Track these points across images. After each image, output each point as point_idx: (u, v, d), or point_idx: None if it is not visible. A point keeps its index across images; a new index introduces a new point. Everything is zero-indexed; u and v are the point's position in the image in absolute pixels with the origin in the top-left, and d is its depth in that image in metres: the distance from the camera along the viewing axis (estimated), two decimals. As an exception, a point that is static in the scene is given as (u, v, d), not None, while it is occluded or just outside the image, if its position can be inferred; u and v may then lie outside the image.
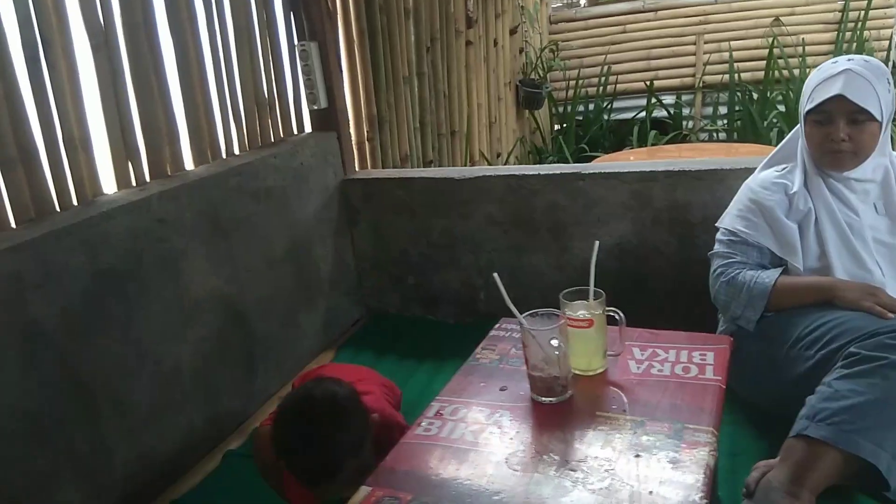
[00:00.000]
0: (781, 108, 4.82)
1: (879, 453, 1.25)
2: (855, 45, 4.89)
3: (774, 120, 4.76)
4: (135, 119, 1.83)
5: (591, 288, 1.30)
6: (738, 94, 5.12)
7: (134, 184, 1.84)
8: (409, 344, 2.40)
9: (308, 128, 2.51)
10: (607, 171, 2.22)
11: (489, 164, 4.37)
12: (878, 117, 1.53)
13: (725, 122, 5.22)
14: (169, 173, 1.93)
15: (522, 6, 5.00)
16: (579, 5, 6.12)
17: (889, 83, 1.56)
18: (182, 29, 1.94)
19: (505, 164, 4.65)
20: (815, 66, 1.69)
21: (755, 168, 1.83)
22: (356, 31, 2.74)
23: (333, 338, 2.49)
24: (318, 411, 1.32)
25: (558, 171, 2.28)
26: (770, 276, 1.60)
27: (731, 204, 1.77)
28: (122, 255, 1.65)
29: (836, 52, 4.87)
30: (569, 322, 1.25)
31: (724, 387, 1.23)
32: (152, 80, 1.87)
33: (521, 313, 1.24)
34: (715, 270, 1.71)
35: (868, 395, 1.28)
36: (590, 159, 4.35)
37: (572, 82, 5.50)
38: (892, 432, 1.26)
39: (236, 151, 2.17)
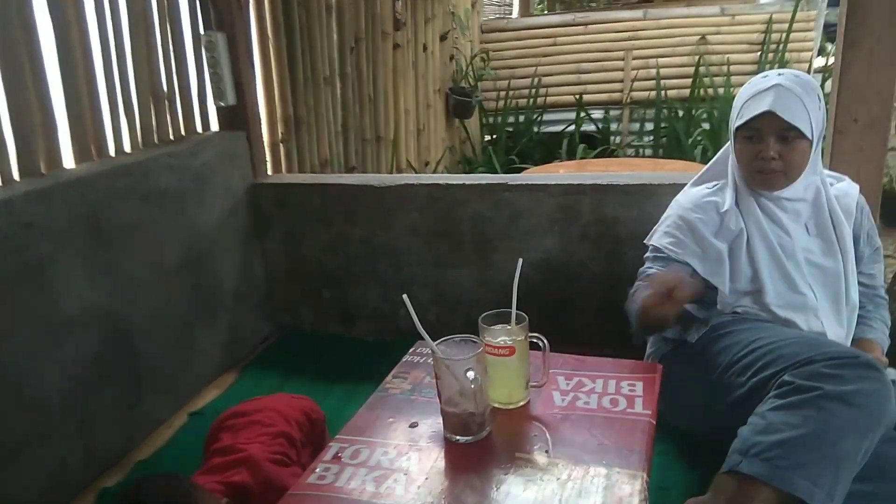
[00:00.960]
0: (706, 125, 4.89)
1: (814, 491, 1.17)
2: (777, 65, 5.03)
3: (699, 137, 4.83)
4: (1, 109, 1.59)
5: (514, 311, 1.16)
6: (665, 110, 5.17)
7: (-1, 182, 1.60)
8: (322, 364, 2.22)
9: (214, 126, 2.30)
10: (534, 182, 2.11)
11: (416, 172, 4.22)
12: (809, 135, 1.47)
13: (652, 138, 5.26)
14: (43, 171, 1.69)
15: (453, 12, 4.89)
16: (511, 15, 6.07)
17: (819, 99, 1.50)
18: (63, 7, 1.71)
19: (433, 174, 4.52)
20: (739, 86, 1.61)
21: (684, 184, 1.75)
22: (271, 24, 2.55)
23: (238, 357, 2.28)
24: None
25: (484, 182, 2.16)
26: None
27: (661, 220, 1.68)
28: (-26, 263, 1.41)
29: (760, 72, 4.98)
30: (488, 350, 1.11)
31: (655, 421, 1.12)
32: (25, 65, 1.63)
33: (441, 335, 1.10)
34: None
35: (802, 429, 1.20)
36: (519, 170, 4.27)
37: (503, 93, 5.43)
38: (827, 468, 1.18)
39: (127, 149, 1.94)
